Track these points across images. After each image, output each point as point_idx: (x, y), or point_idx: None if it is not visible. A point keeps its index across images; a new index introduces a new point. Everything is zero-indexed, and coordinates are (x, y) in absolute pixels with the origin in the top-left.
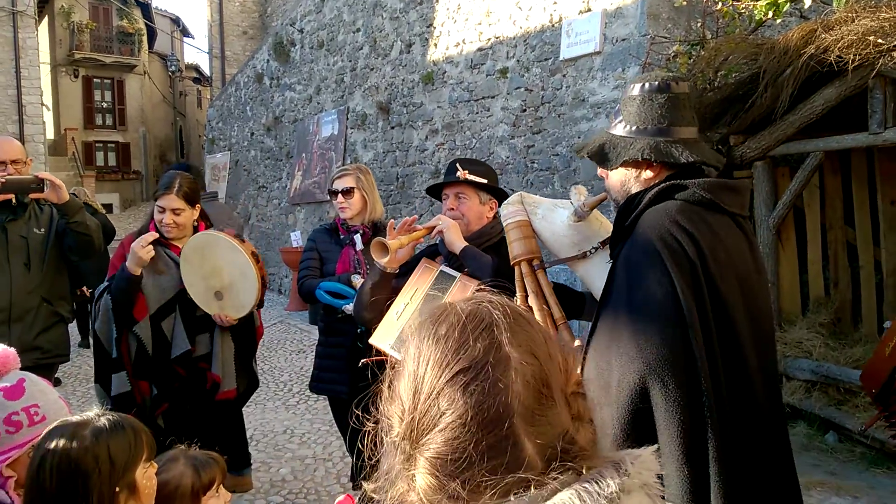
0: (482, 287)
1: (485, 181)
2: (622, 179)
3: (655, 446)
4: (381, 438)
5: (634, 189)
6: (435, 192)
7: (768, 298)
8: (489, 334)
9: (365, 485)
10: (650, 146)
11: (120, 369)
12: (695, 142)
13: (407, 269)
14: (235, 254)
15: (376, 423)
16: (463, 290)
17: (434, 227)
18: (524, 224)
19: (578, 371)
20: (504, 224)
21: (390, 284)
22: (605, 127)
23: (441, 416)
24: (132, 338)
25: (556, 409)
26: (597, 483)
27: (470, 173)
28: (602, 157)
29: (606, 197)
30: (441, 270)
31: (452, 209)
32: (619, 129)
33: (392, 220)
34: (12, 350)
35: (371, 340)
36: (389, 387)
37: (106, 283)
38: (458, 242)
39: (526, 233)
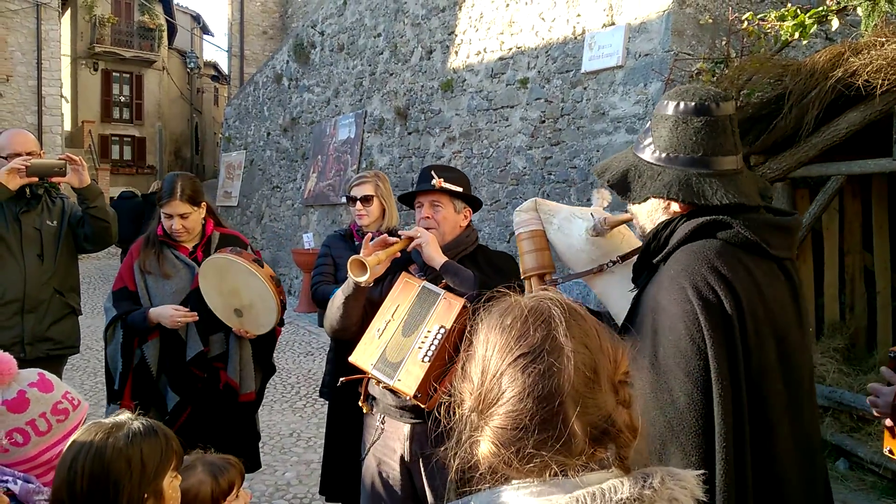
0: (545, 286)
1: (460, 189)
2: (649, 209)
3: (702, 471)
4: (454, 411)
5: (662, 218)
6: (408, 199)
7: (808, 355)
8: (547, 326)
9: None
10: (680, 182)
11: (117, 400)
12: (735, 173)
13: (380, 278)
14: (254, 279)
15: (450, 396)
16: (448, 308)
17: (412, 239)
18: (538, 234)
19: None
20: (516, 233)
21: (364, 297)
22: (630, 146)
23: (503, 393)
24: (138, 353)
25: (603, 394)
26: (613, 489)
27: (445, 181)
28: (624, 186)
29: (632, 219)
30: (424, 286)
31: (427, 217)
32: (648, 153)
33: (369, 234)
34: (8, 355)
35: (351, 359)
36: (462, 368)
37: (117, 312)
38: (437, 258)
39: (539, 244)
